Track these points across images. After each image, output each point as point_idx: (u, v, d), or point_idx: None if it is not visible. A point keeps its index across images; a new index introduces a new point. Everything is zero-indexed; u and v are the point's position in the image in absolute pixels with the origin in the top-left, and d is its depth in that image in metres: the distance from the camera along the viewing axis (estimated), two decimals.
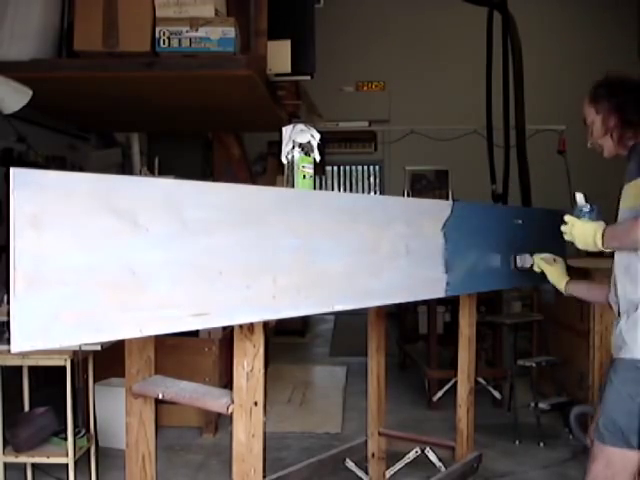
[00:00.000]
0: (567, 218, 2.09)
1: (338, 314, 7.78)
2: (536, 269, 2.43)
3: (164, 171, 5.18)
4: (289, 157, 1.78)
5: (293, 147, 1.77)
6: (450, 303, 4.88)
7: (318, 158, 1.81)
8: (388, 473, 3.14)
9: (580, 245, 2.05)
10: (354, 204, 1.74)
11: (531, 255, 2.41)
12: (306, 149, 1.78)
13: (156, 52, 3.60)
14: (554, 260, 2.43)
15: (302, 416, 4.69)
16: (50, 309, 1.08)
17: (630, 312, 2.00)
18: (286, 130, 1.80)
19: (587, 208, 2.08)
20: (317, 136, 1.80)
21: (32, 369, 3.22)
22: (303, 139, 1.77)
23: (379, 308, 2.95)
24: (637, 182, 1.97)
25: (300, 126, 1.80)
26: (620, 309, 2.07)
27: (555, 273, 2.42)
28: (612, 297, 2.13)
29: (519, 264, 2.39)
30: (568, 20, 9.07)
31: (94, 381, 3.27)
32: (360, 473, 3.07)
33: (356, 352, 5.78)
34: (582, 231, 2.04)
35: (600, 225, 2.01)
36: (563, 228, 2.09)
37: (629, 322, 2.00)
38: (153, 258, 1.22)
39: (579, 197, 2.12)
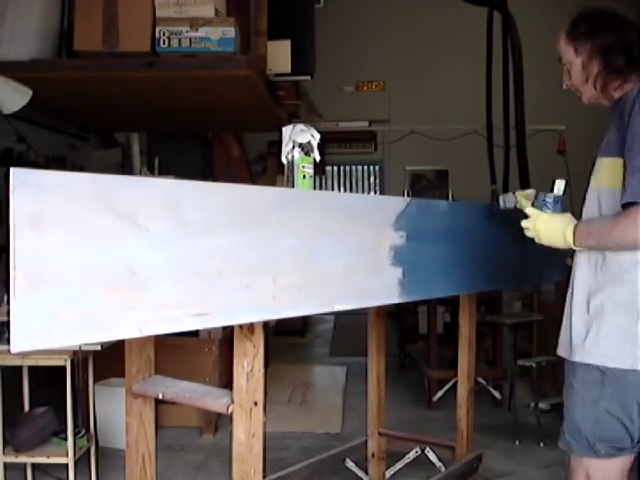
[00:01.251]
0: (529, 210, 1.82)
1: (338, 314, 7.78)
2: (519, 206, 2.04)
3: (164, 171, 5.17)
4: (289, 157, 1.78)
5: (293, 147, 1.77)
6: (450, 303, 4.88)
7: (318, 158, 1.81)
8: (388, 473, 3.14)
9: (545, 242, 1.78)
10: (354, 204, 1.74)
11: (514, 193, 2.13)
12: (306, 149, 1.78)
13: (156, 52, 3.60)
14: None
15: (302, 416, 4.69)
16: (50, 309, 1.08)
17: (583, 308, 1.77)
18: (286, 130, 1.80)
19: (551, 198, 1.80)
20: (317, 136, 1.80)
21: (32, 369, 3.22)
22: (303, 139, 1.77)
23: (379, 308, 2.95)
24: (616, 160, 1.68)
25: (300, 126, 1.80)
26: (573, 301, 1.80)
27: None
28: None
29: (502, 204, 2.12)
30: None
31: (94, 381, 3.27)
32: (360, 473, 3.07)
33: (356, 352, 5.78)
34: (549, 226, 1.76)
35: (570, 219, 1.75)
36: (524, 223, 1.82)
37: (583, 320, 1.76)
38: (153, 258, 1.22)
39: (559, 184, 1.83)
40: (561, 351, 1.86)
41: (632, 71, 1.75)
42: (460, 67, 8.72)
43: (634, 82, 1.73)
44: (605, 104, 1.83)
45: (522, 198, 2.01)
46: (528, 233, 1.82)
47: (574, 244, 1.72)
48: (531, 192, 2.04)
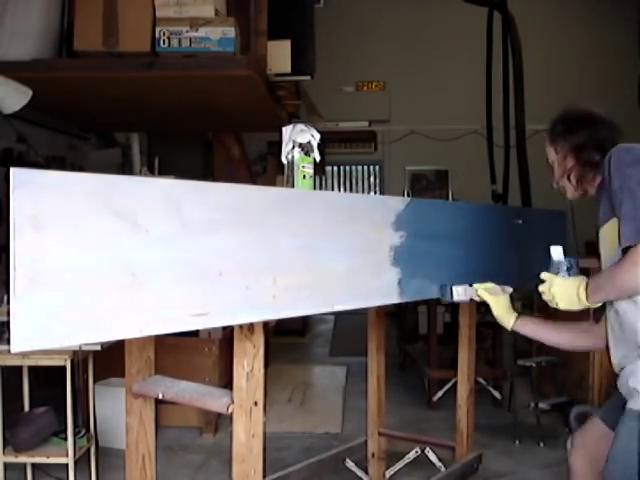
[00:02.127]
0: (544, 276, 1.87)
1: (338, 314, 7.78)
2: (477, 299, 2.07)
3: (164, 171, 5.18)
4: (289, 157, 1.78)
5: (293, 147, 1.77)
6: (450, 303, 4.87)
7: (318, 158, 1.81)
8: (388, 473, 3.14)
9: (562, 305, 1.84)
10: (354, 204, 1.74)
11: (470, 285, 2.04)
12: (306, 149, 1.78)
13: (156, 52, 3.61)
14: (502, 290, 2.09)
15: (302, 416, 4.69)
16: (50, 309, 1.08)
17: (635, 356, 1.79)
18: (286, 130, 1.80)
19: (565, 265, 1.86)
20: (317, 136, 1.80)
21: (32, 369, 3.22)
22: (303, 139, 1.77)
23: (379, 308, 2.95)
24: (612, 223, 1.75)
25: (300, 126, 1.80)
26: (627, 353, 1.83)
27: (500, 306, 2.07)
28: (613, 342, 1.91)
29: (456, 297, 1.99)
30: (568, 20, 9.07)
31: (94, 381, 3.27)
32: (360, 473, 3.07)
33: (356, 352, 5.78)
34: (564, 288, 1.83)
35: (582, 279, 1.83)
36: (541, 288, 1.88)
37: (634, 367, 1.79)
38: (153, 258, 1.22)
39: (555, 252, 1.89)
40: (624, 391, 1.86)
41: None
42: (460, 67, 8.72)
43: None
44: (590, 194, 1.93)
45: (483, 291, 2.04)
46: (545, 297, 1.88)
47: (588, 301, 1.78)
48: (491, 286, 2.06)
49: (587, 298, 1.78)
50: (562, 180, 1.96)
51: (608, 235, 1.79)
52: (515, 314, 2.08)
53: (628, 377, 1.79)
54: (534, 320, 2.14)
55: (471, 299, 2.03)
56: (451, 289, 1.98)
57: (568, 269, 1.85)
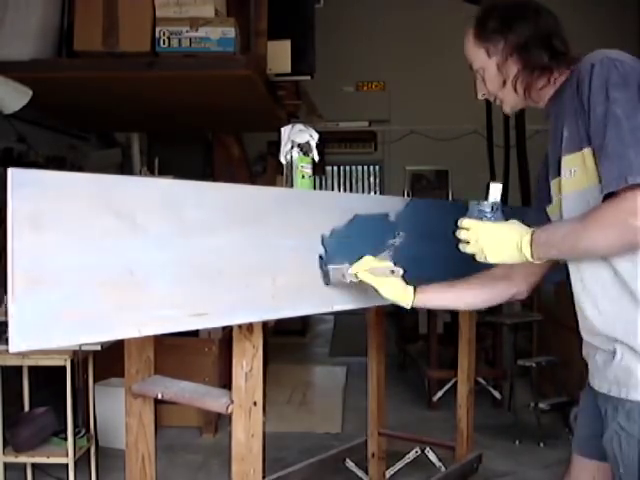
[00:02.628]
0: (467, 222, 1.45)
1: (338, 314, 7.78)
2: (356, 280, 1.59)
3: (164, 171, 5.17)
4: (288, 157, 1.78)
5: (292, 147, 1.77)
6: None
7: (317, 158, 1.81)
8: (388, 473, 3.15)
9: (494, 257, 1.43)
10: (354, 204, 1.74)
11: (350, 264, 1.61)
12: (305, 149, 1.78)
13: (156, 52, 3.60)
14: (392, 272, 1.59)
15: (302, 416, 4.69)
16: (49, 309, 1.08)
17: (631, 337, 1.36)
18: (284, 130, 1.80)
19: (488, 207, 1.46)
20: (315, 136, 1.80)
21: (32, 369, 3.22)
22: (302, 139, 1.77)
23: (379, 308, 2.95)
24: (583, 154, 1.37)
25: (299, 126, 1.80)
26: (607, 333, 1.42)
27: (390, 287, 1.60)
28: (586, 320, 1.48)
29: (333, 279, 1.60)
30: (567, 20, 9.03)
31: (94, 381, 3.27)
32: (360, 473, 3.07)
33: (356, 352, 5.78)
34: (497, 237, 1.41)
35: (521, 226, 1.42)
36: (462, 235, 1.45)
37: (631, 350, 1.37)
38: (152, 258, 1.22)
39: (495, 190, 1.49)
40: (606, 387, 1.45)
41: (557, 65, 1.48)
42: (460, 67, 8.65)
43: (564, 72, 1.48)
44: (534, 105, 1.56)
45: (366, 273, 1.57)
46: (468, 249, 1.45)
47: (532, 256, 1.39)
48: (375, 266, 1.60)
49: (531, 253, 1.38)
50: (502, 90, 1.53)
51: (581, 165, 1.39)
52: (411, 288, 1.62)
53: (620, 361, 1.39)
54: (434, 288, 1.67)
55: (351, 281, 1.60)
56: (327, 270, 1.60)
57: (493, 211, 1.45)
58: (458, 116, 8.65)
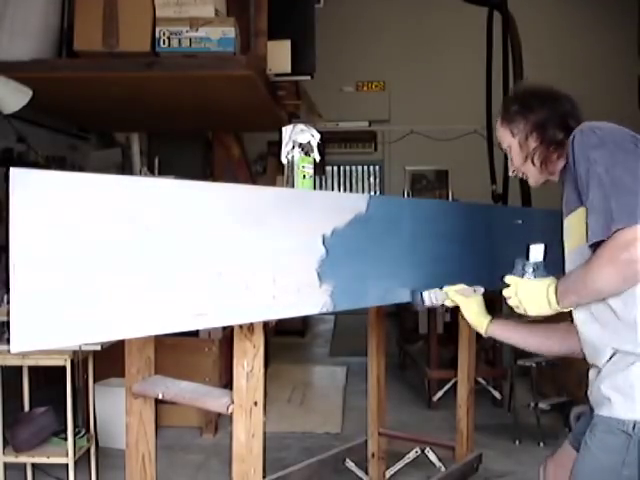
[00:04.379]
0: (509, 279, 1.66)
1: (338, 314, 7.78)
2: (448, 304, 1.92)
3: (164, 171, 5.17)
4: (289, 157, 1.78)
5: (293, 147, 1.77)
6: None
7: (318, 158, 1.81)
8: (388, 473, 3.15)
9: (531, 310, 1.63)
10: (354, 204, 1.74)
11: (441, 289, 1.90)
12: (306, 149, 1.78)
13: (156, 52, 3.60)
14: (474, 291, 1.92)
15: (302, 416, 4.69)
16: (50, 309, 1.08)
17: (604, 361, 1.59)
18: (286, 130, 1.80)
19: (530, 267, 1.64)
20: (317, 136, 1.80)
21: (32, 369, 3.22)
22: (303, 139, 1.77)
23: (379, 308, 2.95)
24: (579, 212, 1.55)
25: (300, 126, 1.80)
26: (589, 358, 1.68)
27: (473, 310, 1.91)
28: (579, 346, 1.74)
29: (427, 302, 1.86)
30: (568, 20, 9.07)
31: (94, 381, 3.27)
32: (360, 473, 3.07)
33: (356, 352, 5.78)
34: (531, 292, 1.62)
35: (551, 280, 1.62)
36: (506, 293, 1.68)
37: (605, 372, 1.59)
38: (153, 258, 1.22)
39: (535, 251, 1.65)
40: (592, 405, 1.67)
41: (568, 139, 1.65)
42: (460, 67, 8.72)
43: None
44: (553, 179, 1.76)
45: (455, 294, 1.89)
46: (510, 302, 1.68)
47: (558, 305, 1.59)
48: (466, 288, 1.91)
49: (557, 302, 1.58)
50: (524, 165, 1.75)
51: (574, 227, 1.59)
52: (489, 317, 1.90)
53: (600, 383, 1.60)
54: (508, 322, 1.93)
55: (442, 304, 1.90)
56: (422, 295, 1.85)
57: (534, 270, 1.64)
58: (458, 116, 8.66)
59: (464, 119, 8.50)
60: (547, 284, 1.60)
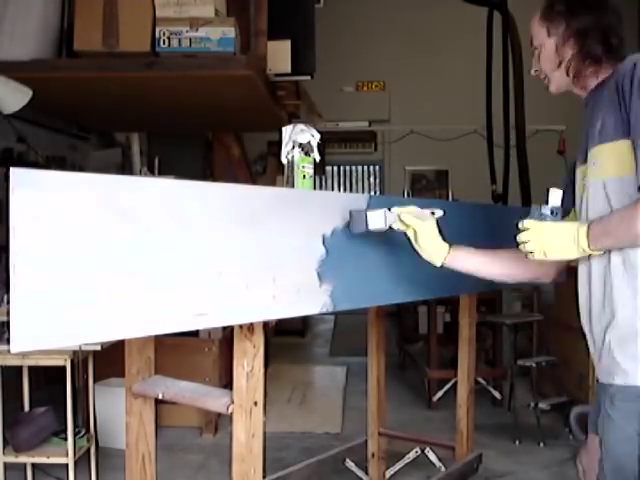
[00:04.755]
0: (529, 223, 1.52)
1: (338, 314, 7.78)
2: (398, 228, 1.67)
3: (164, 171, 5.17)
4: (289, 157, 1.78)
5: (293, 147, 1.77)
6: (450, 303, 4.88)
7: (318, 158, 1.81)
8: (388, 473, 3.15)
9: (553, 253, 1.50)
10: (354, 204, 1.74)
11: (389, 210, 1.65)
12: (306, 149, 1.78)
13: (156, 52, 3.60)
14: (432, 214, 1.70)
15: (302, 416, 4.69)
16: (50, 309, 1.08)
17: (618, 324, 1.49)
18: (286, 130, 1.80)
19: (548, 210, 1.53)
20: (317, 136, 1.80)
21: (32, 369, 3.22)
22: (303, 139, 1.77)
23: (379, 308, 2.95)
24: (618, 144, 1.45)
25: (300, 126, 1.80)
26: (600, 321, 1.55)
27: (429, 235, 1.67)
28: (586, 306, 1.60)
29: (372, 225, 1.63)
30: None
31: (94, 381, 3.27)
32: (360, 473, 3.07)
33: (356, 352, 5.78)
34: (556, 234, 1.49)
35: (578, 223, 1.51)
36: (524, 236, 1.52)
37: (619, 337, 1.49)
38: (153, 258, 1.22)
39: (554, 196, 1.56)
40: (601, 375, 1.58)
41: (607, 59, 1.57)
42: (460, 67, 8.72)
43: (609, 69, 1.56)
44: (576, 92, 1.64)
45: (407, 215, 1.65)
46: (528, 246, 1.52)
47: (589, 247, 1.46)
48: (414, 209, 1.68)
49: (589, 244, 1.45)
50: (553, 71, 1.62)
51: (608, 157, 1.47)
52: (446, 245, 1.69)
53: (612, 351, 1.51)
54: (469, 249, 1.72)
55: (391, 227, 1.65)
56: (366, 216, 1.63)
57: (554, 214, 1.53)
58: (458, 116, 8.65)
59: (464, 119, 8.49)
60: (575, 227, 1.48)
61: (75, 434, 3.01)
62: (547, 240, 1.50)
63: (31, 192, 1.06)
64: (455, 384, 3.06)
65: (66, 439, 2.98)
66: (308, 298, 1.55)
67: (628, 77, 1.41)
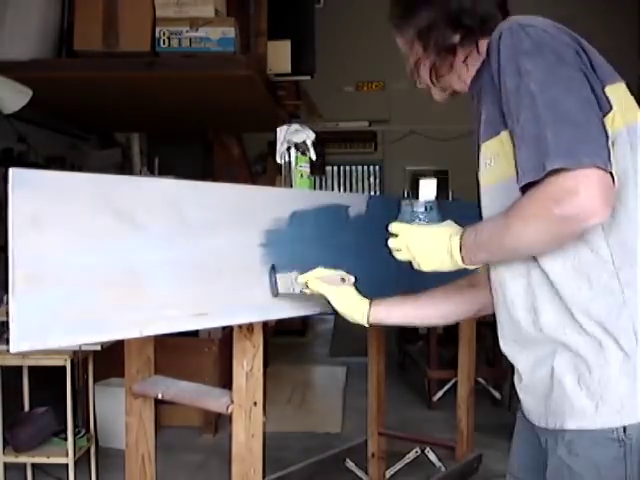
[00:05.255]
0: (395, 227, 1.30)
1: (338, 314, 7.77)
2: (309, 292, 1.47)
3: (164, 171, 5.17)
4: (285, 157, 1.79)
5: (289, 147, 1.77)
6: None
7: (314, 157, 1.81)
8: (388, 473, 3.15)
9: (428, 265, 1.26)
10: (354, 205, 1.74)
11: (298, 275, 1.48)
12: (302, 149, 1.78)
13: (156, 52, 3.60)
14: (342, 280, 1.47)
15: (302, 416, 4.69)
16: (50, 309, 1.08)
17: (561, 349, 1.17)
18: (281, 130, 1.80)
19: (421, 207, 1.34)
20: (312, 135, 1.80)
21: (32, 369, 3.22)
22: (298, 139, 1.77)
23: None
24: (501, 138, 1.18)
25: (295, 126, 1.80)
26: (532, 345, 1.23)
27: (345, 299, 1.46)
28: (507, 327, 1.29)
29: (282, 289, 1.45)
30: (567, 20, 9.01)
31: (94, 381, 3.27)
32: (360, 473, 3.07)
33: (356, 352, 5.78)
34: (426, 242, 1.25)
35: (450, 226, 1.26)
36: (392, 244, 1.31)
37: (561, 369, 1.17)
38: (153, 258, 1.22)
39: (426, 187, 1.37)
40: (544, 421, 1.25)
41: (465, 41, 1.30)
42: None
43: (482, 51, 1.26)
44: (460, 90, 1.38)
45: (315, 281, 1.45)
46: (399, 256, 1.31)
47: (464, 262, 1.22)
48: (321, 273, 1.46)
49: (462, 258, 1.21)
50: (422, 78, 1.41)
51: (495, 154, 1.21)
52: (366, 301, 1.46)
53: (558, 387, 1.19)
54: (393, 299, 1.48)
55: (301, 291, 1.47)
56: (276, 279, 1.44)
57: (426, 211, 1.32)
58: (458, 116, 8.60)
59: (464, 119, 8.45)
60: (448, 235, 1.23)
61: (75, 434, 3.01)
62: (418, 249, 1.27)
63: (31, 192, 1.06)
64: (455, 384, 3.06)
65: (66, 439, 2.98)
66: (308, 298, 1.55)
67: (495, 53, 1.15)
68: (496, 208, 1.20)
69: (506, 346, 1.32)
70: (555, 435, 1.20)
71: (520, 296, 1.21)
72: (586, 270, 1.13)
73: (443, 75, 1.34)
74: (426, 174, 9.11)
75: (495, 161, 1.22)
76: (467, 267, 1.23)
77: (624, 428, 1.11)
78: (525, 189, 1.07)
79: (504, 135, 1.17)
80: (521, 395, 1.38)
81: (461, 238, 1.21)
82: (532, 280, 1.19)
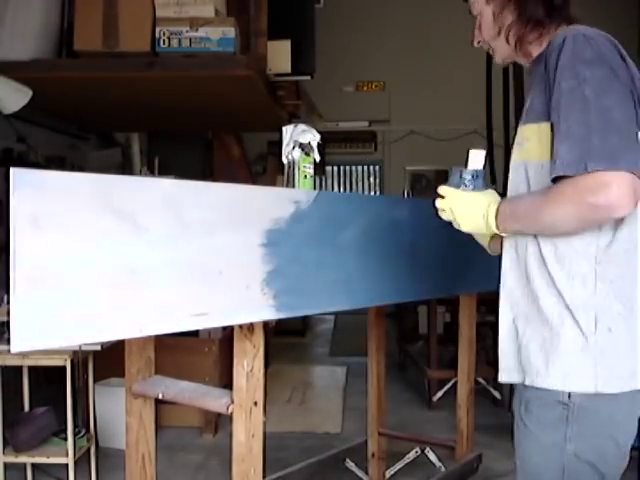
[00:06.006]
0: (444, 190, 1.41)
1: (338, 314, 7.78)
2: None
3: (164, 171, 5.17)
4: (290, 157, 1.79)
5: (294, 147, 1.77)
6: (450, 303, 4.87)
7: (318, 158, 1.81)
8: (388, 473, 3.15)
9: (466, 227, 1.41)
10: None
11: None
12: (306, 149, 1.78)
13: (156, 52, 3.60)
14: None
15: (302, 416, 4.69)
16: (50, 309, 1.08)
17: (531, 317, 1.36)
18: (287, 130, 1.80)
19: (469, 174, 1.40)
20: (317, 136, 1.81)
21: (32, 369, 3.22)
22: (304, 139, 1.78)
23: (379, 308, 2.95)
24: (541, 127, 1.31)
25: (301, 126, 1.80)
26: (510, 309, 1.42)
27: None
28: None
29: (465, 175, 1.43)
30: None
31: (94, 381, 3.27)
32: (360, 473, 3.07)
33: (356, 352, 5.78)
34: (467, 206, 1.38)
35: (492, 196, 1.39)
36: (439, 204, 1.43)
37: (532, 332, 1.36)
38: (153, 258, 1.22)
39: (476, 157, 1.43)
40: (507, 376, 1.48)
41: (552, 22, 1.42)
42: (460, 67, 8.72)
43: (551, 37, 1.39)
44: (522, 62, 1.50)
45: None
46: (444, 216, 1.44)
47: (497, 228, 1.35)
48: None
49: (497, 225, 1.35)
50: (495, 40, 1.50)
51: (532, 138, 1.34)
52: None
53: (526, 346, 1.38)
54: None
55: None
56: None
57: (473, 179, 1.40)
58: (458, 116, 8.66)
59: (464, 119, 8.50)
60: (487, 202, 1.36)
61: (75, 434, 3.01)
62: (460, 211, 1.40)
63: (31, 192, 1.06)
64: (455, 384, 3.06)
65: (66, 439, 2.98)
66: (308, 298, 1.55)
67: (555, 53, 1.27)
68: (514, 183, 1.41)
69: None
70: (520, 395, 1.44)
71: (514, 262, 1.40)
72: (572, 257, 1.31)
73: (530, 42, 1.44)
74: (426, 174, 9.12)
75: (527, 144, 1.36)
76: (500, 234, 1.38)
77: (569, 394, 1.30)
78: (556, 179, 1.23)
79: (544, 126, 1.31)
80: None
81: (498, 207, 1.35)
82: (528, 253, 1.36)
